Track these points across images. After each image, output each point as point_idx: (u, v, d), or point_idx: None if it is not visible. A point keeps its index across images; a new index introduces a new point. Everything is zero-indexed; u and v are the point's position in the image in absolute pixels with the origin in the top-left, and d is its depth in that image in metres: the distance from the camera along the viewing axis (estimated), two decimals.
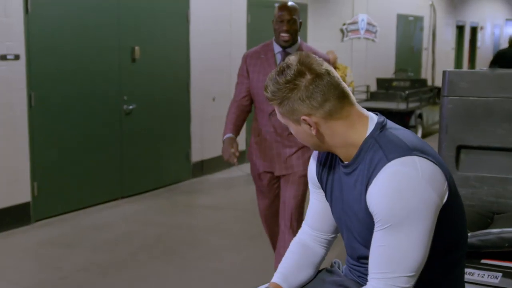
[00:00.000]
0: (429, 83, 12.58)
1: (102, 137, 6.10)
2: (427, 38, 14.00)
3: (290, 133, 3.37)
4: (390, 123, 1.63)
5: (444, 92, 3.06)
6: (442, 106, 3.07)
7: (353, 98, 1.62)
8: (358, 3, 11.01)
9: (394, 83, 10.89)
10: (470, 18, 16.60)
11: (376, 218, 1.52)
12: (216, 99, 7.56)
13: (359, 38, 11.07)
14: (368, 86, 10.68)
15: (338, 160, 1.70)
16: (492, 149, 2.96)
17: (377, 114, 1.65)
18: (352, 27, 10.83)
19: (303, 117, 1.57)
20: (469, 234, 2.58)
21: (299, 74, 1.55)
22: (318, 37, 9.62)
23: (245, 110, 3.69)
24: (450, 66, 15.59)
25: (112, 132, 6.21)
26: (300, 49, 3.54)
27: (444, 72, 3.09)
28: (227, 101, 7.86)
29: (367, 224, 1.57)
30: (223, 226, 5.49)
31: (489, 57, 18.63)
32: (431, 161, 1.51)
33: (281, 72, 1.57)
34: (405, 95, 9.57)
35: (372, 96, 10.63)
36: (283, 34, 3.49)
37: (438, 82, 13.45)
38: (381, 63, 11.96)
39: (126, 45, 6.27)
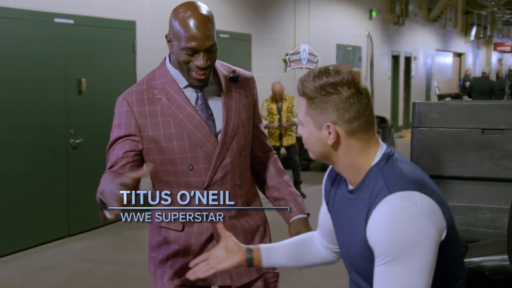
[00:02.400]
0: None
1: (48, 172, 5.93)
2: (365, 67, 14.41)
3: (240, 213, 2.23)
4: (397, 155, 1.66)
5: (415, 123, 3.16)
6: (413, 137, 3.17)
7: (376, 127, 1.66)
8: (299, 34, 11.24)
9: None
10: (404, 48, 17.21)
11: (376, 253, 1.54)
12: None
13: (301, 68, 11.27)
14: None
15: (345, 184, 1.71)
16: (463, 179, 3.07)
17: (386, 144, 1.69)
18: (294, 57, 11.02)
19: (329, 123, 1.59)
20: None
21: (347, 83, 1.57)
22: (262, 67, 9.74)
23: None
24: (387, 95, 16.06)
25: (58, 167, 6.05)
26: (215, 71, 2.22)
27: (413, 104, 3.19)
28: None
29: (364, 254, 1.59)
30: None
31: (423, 86, 19.38)
32: (431, 198, 1.54)
33: (328, 73, 1.59)
34: None
35: None
36: (197, 73, 2.10)
37: (378, 112, 13.82)
38: None
39: (72, 76, 6.16)
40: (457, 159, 3.05)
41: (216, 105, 2.19)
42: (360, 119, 1.58)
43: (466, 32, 24.54)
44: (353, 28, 13.71)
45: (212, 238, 2.16)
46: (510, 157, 2.94)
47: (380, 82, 15.33)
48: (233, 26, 8.96)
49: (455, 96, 20.07)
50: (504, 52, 31.17)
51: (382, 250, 1.51)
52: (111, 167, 2.10)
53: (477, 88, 15.05)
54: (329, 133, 1.59)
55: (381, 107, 15.07)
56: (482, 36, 26.02)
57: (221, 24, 8.55)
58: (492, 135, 2.99)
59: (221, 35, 8.52)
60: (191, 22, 2.04)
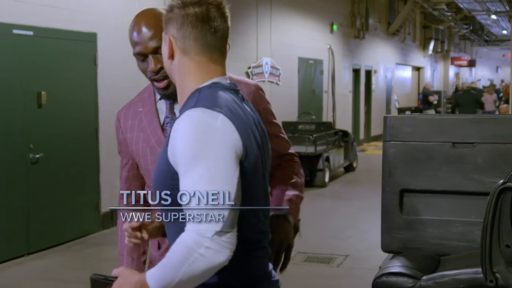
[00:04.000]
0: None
1: (6, 188, 5.80)
2: (327, 81, 14.56)
3: None
4: (229, 86, 1.68)
5: (386, 137, 3.20)
6: (385, 150, 3.20)
7: (224, 57, 1.71)
8: (262, 47, 11.31)
9: (300, 127, 11.18)
10: (365, 62, 17.47)
11: (178, 164, 1.53)
12: None
13: (264, 81, 11.33)
14: None
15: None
16: (434, 192, 3.12)
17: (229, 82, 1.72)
18: (257, 70, 11.09)
19: (168, 36, 1.67)
20: (424, 278, 2.69)
21: (197, 2, 1.64)
22: None
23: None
24: (348, 109, 16.25)
25: (16, 182, 5.92)
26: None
27: (385, 118, 3.23)
28: None
29: (168, 171, 1.57)
30: None
31: (383, 99, 19.69)
32: (235, 125, 1.56)
33: None
34: (313, 139, 9.85)
35: None
36: (155, 80, 2.06)
37: (339, 125, 13.97)
38: (286, 106, 12.27)
39: (31, 89, 6.06)
40: (428, 172, 3.10)
41: None
42: (197, 40, 1.64)
43: (424, 46, 25.07)
44: (314, 42, 13.86)
45: None
46: (480, 171, 3.00)
47: (342, 95, 15.52)
48: None
49: (415, 110, 20.46)
50: (460, 66, 31.97)
51: (181, 158, 1.51)
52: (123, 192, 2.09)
53: (462, 101, 15.63)
54: (168, 47, 1.67)
55: (343, 120, 15.24)
56: (439, 50, 26.60)
57: None
58: (462, 148, 3.06)
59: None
60: (135, 28, 2.06)
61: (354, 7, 16.22)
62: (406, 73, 23.78)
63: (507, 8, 21.01)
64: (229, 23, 1.70)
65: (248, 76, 10.82)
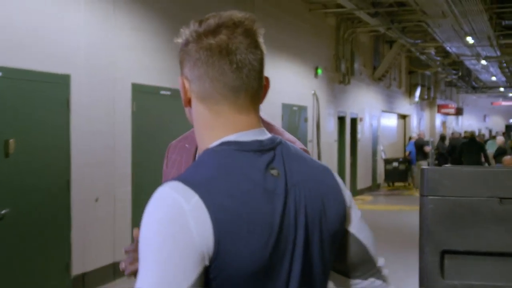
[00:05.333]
0: None
1: None
2: (311, 129, 14.56)
3: None
4: (251, 145, 1.39)
5: (424, 191, 3.09)
6: (422, 206, 3.09)
7: (247, 102, 1.42)
8: None
9: None
10: (350, 108, 17.59)
11: None
12: (99, 200, 7.22)
13: None
14: None
15: None
16: (480, 254, 3.01)
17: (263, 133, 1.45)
18: None
19: (181, 76, 1.45)
20: None
21: (214, 31, 1.40)
22: None
23: None
24: (334, 160, 16.24)
25: None
26: None
27: (422, 170, 3.13)
28: (111, 202, 7.58)
29: None
30: None
31: (369, 149, 19.78)
32: (210, 216, 1.26)
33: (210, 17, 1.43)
34: None
35: None
36: None
37: None
38: None
39: None
40: (473, 231, 2.99)
41: None
42: (215, 81, 1.39)
43: (410, 92, 25.46)
44: (298, 87, 13.91)
45: None
46: None
47: (327, 144, 15.52)
48: (174, 81, 8.87)
49: (403, 161, 20.60)
50: (448, 114, 32.49)
51: (139, 245, 1.29)
52: None
53: (467, 150, 16.33)
54: (182, 91, 1.46)
55: None
56: (426, 97, 27.03)
57: (161, 80, 8.48)
58: (511, 204, 2.96)
59: (162, 92, 8.43)
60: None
61: (339, 49, 16.41)
62: (392, 121, 24.05)
63: (498, 53, 21.53)
64: (263, 49, 1.43)
65: None
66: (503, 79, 31.44)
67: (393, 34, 17.40)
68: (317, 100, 14.68)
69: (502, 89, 36.03)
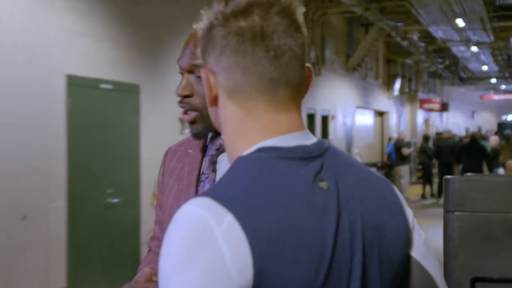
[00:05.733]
0: None
1: None
2: None
3: None
4: (293, 151, 1.35)
5: (450, 206, 3.05)
6: (448, 224, 3.05)
7: (287, 98, 1.39)
8: None
9: None
10: (321, 105, 17.64)
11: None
12: (28, 217, 7.06)
13: None
14: None
15: None
16: None
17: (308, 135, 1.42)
18: None
19: (205, 69, 1.41)
20: None
21: (244, 11, 1.37)
22: (154, 128, 9.53)
23: None
24: None
25: None
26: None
27: (447, 180, 3.09)
28: (42, 220, 7.38)
29: None
30: None
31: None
32: (249, 237, 1.21)
33: None
34: None
35: None
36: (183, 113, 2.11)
37: None
38: None
39: None
40: (508, 255, 2.98)
41: None
42: (247, 73, 1.34)
43: (388, 85, 25.72)
44: None
45: None
46: None
47: None
48: (117, 73, 8.77)
49: (382, 166, 20.78)
50: (431, 110, 32.94)
51: (159, 272, 1.25)
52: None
53: (466, 153, 16.62)
54: (207, 87, 1.41)
55: None
56: (407, 90, 27.35)
57: (101, 71, 8.37)
58: None
59: (102, 86, 8.31)
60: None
61: (308, 33, 16.42)
62: (368, 119, 24.26)
63: (492, 38, 21.90)
64: (304, 32, 1.39)
65: (182, 124, 10.63)
66: (496, 68, 32.03)
67: (371, 15, 17.52)
68: None
69: (493, 80, 36.63)
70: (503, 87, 40.64)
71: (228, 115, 1.39)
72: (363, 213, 1.37)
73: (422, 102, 31.40)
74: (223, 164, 2.07)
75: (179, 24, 10.50)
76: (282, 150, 1.33)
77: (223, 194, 1.25)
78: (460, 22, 18.62)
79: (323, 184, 1.32)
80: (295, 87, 1.37)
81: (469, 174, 2.96)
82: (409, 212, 1.52)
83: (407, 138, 23.83)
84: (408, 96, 29.55)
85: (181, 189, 2.12)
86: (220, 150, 2.09)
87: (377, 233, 1.39)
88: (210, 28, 1.38)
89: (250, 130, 1.36)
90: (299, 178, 1.30)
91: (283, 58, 1.34)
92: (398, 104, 27.81)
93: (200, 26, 1.42)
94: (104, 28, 8.46)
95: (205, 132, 2.08)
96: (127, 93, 9.01)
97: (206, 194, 1.26)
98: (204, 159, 2.12)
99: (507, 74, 34.98)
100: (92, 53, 8.26)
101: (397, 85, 25.82)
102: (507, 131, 32.24)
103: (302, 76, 1.39)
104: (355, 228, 1.34)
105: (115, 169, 8.57)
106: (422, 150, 21.20)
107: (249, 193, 1.25)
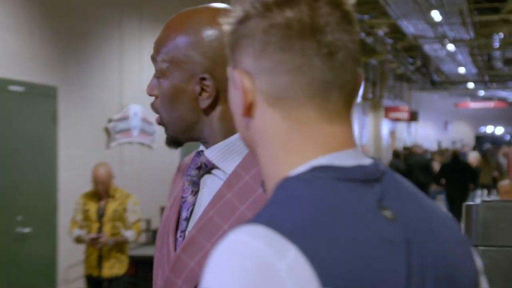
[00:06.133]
0: None
1: None
2: None
3: None
4: (354, 172, 1.32)
5: (474, 239, 2.96)
6: None
7: (341, 106, 1.35)
8: (128, 88, 11.17)
9: None
10: None
11: None
12: None
13: (130, 143, 11.09)
14: (148, 221, 10.58)
15: None
16: None
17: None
18: (121, 125, 10.84)
19: (236, 73, 1.36)
20: None
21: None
22: (73, 141, 9.38)
23: None
24: None
25: None
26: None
27: (468, 207, 3.00)
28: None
29: None
30: None
31: None
32: (321, 275, 1.18)
33: None
34: None
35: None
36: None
37: None
38: (164, 182, 11.98)
39: None
40: None
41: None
42: (296, 74, 1.30)
43: None
44: None
45: None
46: None
47: None
48: (30, 73, 8.64)
49: None
50: (398, 120, 33.29)
51: None
52: None
53: (449, 173, 16.71)
54: (240, 93, 1.35)
55: None
56: (370, 96, 27.58)
57: (10, 70, 8.24)
58: None
59: (11, 88, 8.15)
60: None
61: None
62: None
63: (472, 34, 22.18)
64: (357, 28, 1.35)
65: (108, 135, 10.51)
66: (474, 70, 32.42)
67: None
68: None
69: (471, 84, 37.14)
70: (481, 93, 41.16)
71: (268, 127, 1.34)
72: (432, 250, 1.35)
73: (388, 110, 31.75)
74: (209, 185, 2.03)
75: (106, 15, 10.38)
76: (341, 170, 1.29)
77: (282, 222, 1.21)
78: (436, 15, 18.75)
79: (387, 214, 1.30)
80: (350, 92, 1.34)
81: (489, 199, 2.88)
82: (475, 254, 1.50)
83: (370, 154, 23.98)
84: (372, 103, 29.79)
85: (168, 215, 2.10)
86: (203, 170, 2.04)
87: (450, 275, 1.36)
88: (244, 19, 1.34)
89: (299, 144, 1.32)
90: (363, 205, 1.28)
91: (338, 57, 1.30)
92: (359, 112, 28.01)
93: (227, 20, 1.37)
94: (14, 18, 8.35)
95: (171, 141, 2.09)
96: (42, 96, 8.94)
97: (259, 220, 1.21)
98: (185, 178, 2.07)
99: (486, 78, 35.39)
100: (1, 48, 8.12)
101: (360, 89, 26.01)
102: (487, 146, 32.47)
103: (356, 79, 1.35)
104: (426, 266, 1.32)
105: (27, 190, 8.44)
106: (394, 169, 21.29)
107: (313, 221, 1.22)
